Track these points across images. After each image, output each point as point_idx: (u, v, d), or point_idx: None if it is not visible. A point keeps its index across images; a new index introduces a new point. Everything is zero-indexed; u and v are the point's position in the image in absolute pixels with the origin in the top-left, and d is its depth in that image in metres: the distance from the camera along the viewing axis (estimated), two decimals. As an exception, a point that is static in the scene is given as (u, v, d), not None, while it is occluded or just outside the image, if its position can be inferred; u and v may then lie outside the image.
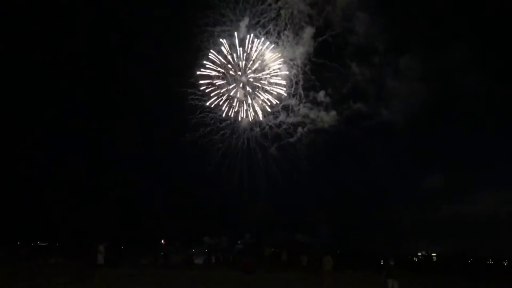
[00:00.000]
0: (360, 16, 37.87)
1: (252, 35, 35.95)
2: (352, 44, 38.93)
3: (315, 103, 39.44)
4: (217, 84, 37.05)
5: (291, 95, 38.05)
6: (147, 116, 45.87)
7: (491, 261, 49.91)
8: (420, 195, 49.10)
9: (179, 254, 40.09)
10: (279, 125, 38.86)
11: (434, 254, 50.33)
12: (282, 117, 38.87)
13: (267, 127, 38.78)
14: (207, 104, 37.47)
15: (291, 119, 39.05)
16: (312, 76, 37.66)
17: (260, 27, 36.29)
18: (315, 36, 37.11)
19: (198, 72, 36.61)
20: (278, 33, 36.66)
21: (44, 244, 48.77)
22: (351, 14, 37.53)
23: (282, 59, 36.99)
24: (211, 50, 36.26)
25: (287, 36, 36.91)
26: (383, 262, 27.76)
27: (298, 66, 37.53)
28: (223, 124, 38.48)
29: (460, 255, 47.42)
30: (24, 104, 41.68)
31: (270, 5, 36.04)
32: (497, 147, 48.17)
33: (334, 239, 46.09)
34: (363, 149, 46.54)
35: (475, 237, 44.91)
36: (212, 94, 37.28)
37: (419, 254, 51.15)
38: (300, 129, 39.37)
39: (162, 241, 49.56)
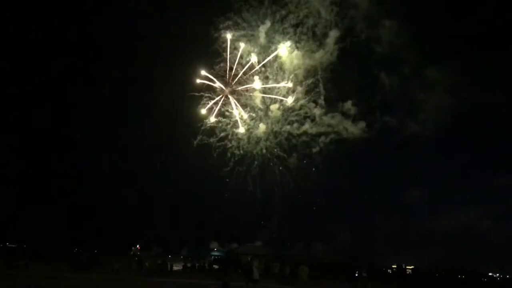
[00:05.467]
0: (386, 24, 36.44)
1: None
2: (378, 54, 37.54)
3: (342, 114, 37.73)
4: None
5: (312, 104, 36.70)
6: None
7: (463, 276, 50.89)
8: (396, 208, 49.82)
9: (155, 260, 39.11)
10: (299, 135, 37.49)
11: (410, 267, 50.88)
12: (305, 126, 37.45)
13: (282, 137, 37.36)
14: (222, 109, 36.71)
15: (314, 129, 37.64)
16: (336, 85, 36.44)
17: (281, 33, 35.30)
18: (338, 43, 35.75)
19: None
20: (299, 40, 35.63)
21: (13, 246, 47.13)
22: (376, 21, 36.31)
23: (303, 67, 35.91)
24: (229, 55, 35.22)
25: (309, 43, 35.99)
26: (357, 273, 27.96)
27: (319, 74, 36.03)
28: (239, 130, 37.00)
29: (434, 269, 48.22)
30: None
31: (292, 12, 35.05)
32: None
33: (311, 250, 46.17)
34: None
35: (449, 252, 45.82)
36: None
37: (393, 266, 51.59)
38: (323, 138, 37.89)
39: (138, 246, 48.45)
